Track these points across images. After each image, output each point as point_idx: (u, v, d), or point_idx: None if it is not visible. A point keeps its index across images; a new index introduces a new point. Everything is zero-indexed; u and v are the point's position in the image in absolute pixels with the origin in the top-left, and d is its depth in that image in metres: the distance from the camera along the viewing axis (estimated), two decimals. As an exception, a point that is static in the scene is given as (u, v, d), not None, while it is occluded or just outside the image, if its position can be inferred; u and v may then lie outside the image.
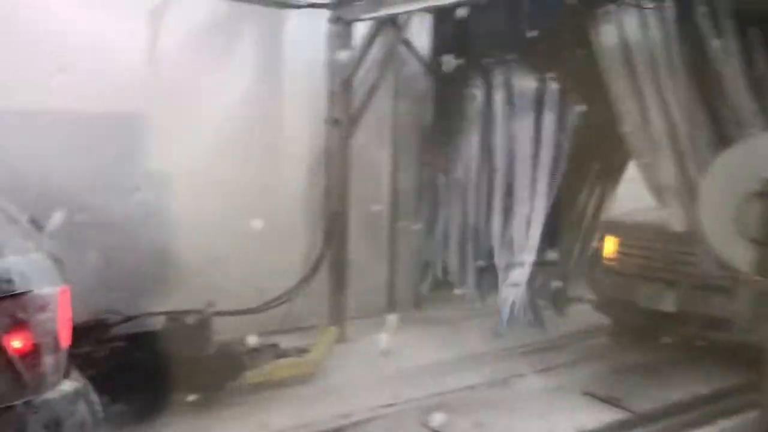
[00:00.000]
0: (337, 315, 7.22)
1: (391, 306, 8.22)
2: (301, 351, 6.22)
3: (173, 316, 5.65)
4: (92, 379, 4.78)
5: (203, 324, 5.70)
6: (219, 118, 6.70)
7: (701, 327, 6.05)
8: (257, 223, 6.88)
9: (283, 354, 6.10)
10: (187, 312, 5.74)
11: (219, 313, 5.83)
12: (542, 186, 7.47)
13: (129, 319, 5.57)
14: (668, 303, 6.19)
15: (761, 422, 4.28)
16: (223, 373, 5.54)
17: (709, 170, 4.28)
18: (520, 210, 7.59)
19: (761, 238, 4.02)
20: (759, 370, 4.33)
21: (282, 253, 7.11)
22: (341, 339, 7.12)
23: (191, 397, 5.29)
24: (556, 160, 7.39)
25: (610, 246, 6.98)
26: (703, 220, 4.20)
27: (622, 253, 6.84)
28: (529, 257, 7.50)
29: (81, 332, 5.13)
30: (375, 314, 7.91)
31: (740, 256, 4.14)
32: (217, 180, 6.67)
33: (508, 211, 7.76)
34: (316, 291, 7.19)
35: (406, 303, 8.36)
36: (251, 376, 5.69)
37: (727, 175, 4.16)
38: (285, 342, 6.43)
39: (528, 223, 7.53)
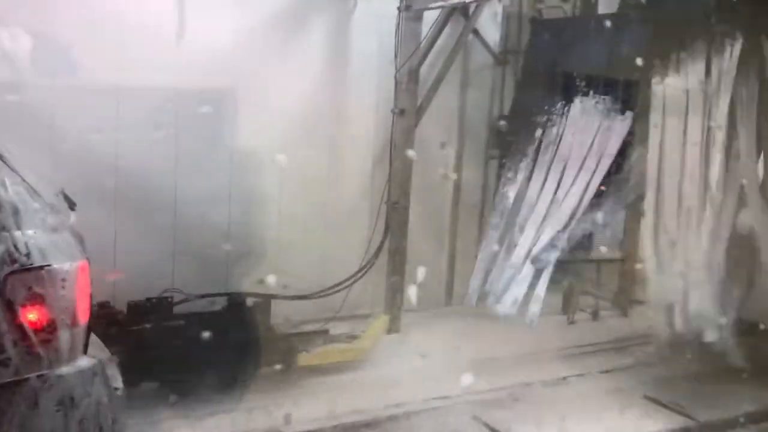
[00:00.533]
0: (394, 305, 7.21)
1: (449, 300, 8.17)
2: (352, 338, 6.28)
3: (234, 297, 5.77)
4: (147, 356, 5.03)
5: (262, 307, 5.79)
6: (289, 105, 6.73)
7: None
8: (322, 210, 6.99)
9: (334, 340, 6.16)
10: (247, 294, 5.85)
11: (276, 297, 5.91)
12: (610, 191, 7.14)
13: (190, 298, 5.72)
14: None
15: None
16: (274, 355, 5.62)
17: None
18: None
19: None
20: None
21: (344, 241, 7.16)
22: (396, 329, 7.13)
23: (242, 378, 5.39)
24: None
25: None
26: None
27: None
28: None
29: (144, 309, 5.39)
30: (433, 307, 7.91)
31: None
32: (287, 165, 6.75)
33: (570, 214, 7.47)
34: (377, 280, 7.21)
35: (464, 297, 8.28)
36: (302, 359, 5.76)
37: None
38: (341, 328, 6.51)
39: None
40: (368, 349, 6.22)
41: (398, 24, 7.06)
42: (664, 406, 5.61)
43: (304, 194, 6.94)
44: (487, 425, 5.18)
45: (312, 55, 7.04)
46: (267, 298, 5.91)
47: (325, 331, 6.28)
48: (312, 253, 6.83)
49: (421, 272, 7.51)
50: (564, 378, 6.16)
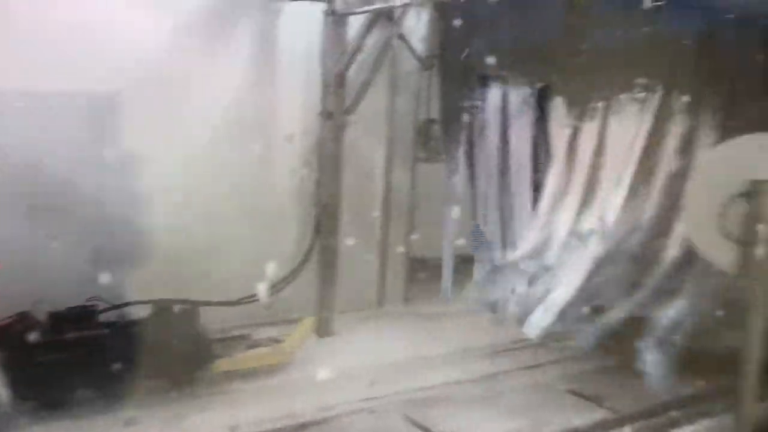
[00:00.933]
0: (325, 308, 7.23)
1: (381, 300, 8.24)
2: (276, 341, 6.25)
3: (160, 305, 5.67)
4: (70, 364, 4.92)
5: (189, 314, 5.72)
6: (212, 108, 6.71)
7: None
8: (251, 213, 6.95)
9: (258, 344, 6.13)
10: (173, 301, 5.76)
11: (203, 304, 5.85)
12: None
13: (114, 307, 5.60)
14: None
15: (738, 426, 4.29)
16: (196, 362, 5.57)
17: (695, 172, 4.29)
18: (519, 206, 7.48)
19: (743, 239, 4.03)
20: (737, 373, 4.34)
21: (272, 244, 7.13)
22: (329, 332, 7.14)
23: (161, 385, 5.33)
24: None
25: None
26: (688, 220, 4.20)
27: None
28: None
29: (66, 318, 5.25)
30: (364, 308, 7.96)
31: (724, 256, 4.15)
32: (211, 169, 6.69)
33: (505, 208, 7.67)
34: (306, 283, 7.21)
35: (396, 298, 8.37)
36: (222, 365, 5.72)
37: (711, 177, 4.17)
38: (273, 333, 6.49)
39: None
40: (293, 352, 6.20)
41: (325, 27, 7.08)
42: (588, 399, 5.78)
43: (233, 196, 6.88)
44: (417, 424, 5.24)
45: (238, 57, 7.00)
46: (194, 305, 5.83)
47: (249, 336, 6.24)
48: (241, 257, 6.77)
49: (352, 273, 7.62)
50: (494, 374, 6.27)
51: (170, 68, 6.36)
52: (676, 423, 5.26)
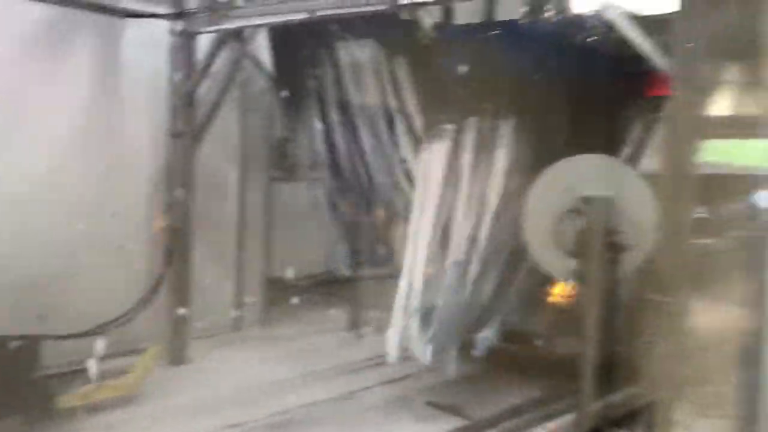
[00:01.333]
0: (178, 335, 6.98)
1: (238, 325, 8.08)
2: (120, 373, 5.97)
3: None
4: None
5: (27, 349, 5.33)
6: (50, 130, 6.34)
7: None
8: (96, 240, 6.60)
9: (101, 376, 5.83)
10: (10, 337, 5.35)
11: (44, 338, 5.48)
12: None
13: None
14: None
15: (579, 423, 4.59)
16: (32, 399, 5.22)
17: (532, 188, 4.57)
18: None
19: (575, 251, 4.34)
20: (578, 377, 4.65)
21: (121, 271, 6.82)
22: (182, 360, 6.91)
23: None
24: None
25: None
26: (527, 233, 4.46)
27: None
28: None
29: None
30: (220, 333, 7.78)
31: (558, 266, 4.45)
32: (50, 196, 6.31)
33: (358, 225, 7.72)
34: (158, 310, 6.94)
35: (254, 321, 8.25)
36: (63, 400, 5.40)
37: (547, 193, 4.46)
38: (122, 364, 6.18)
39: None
40: (137, 384, 5.95)
41: (172, 46, 6.90)
42: (444, 409, 5.96)
43: (76, 222, 6.52)
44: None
45: (78, 79, 6.66)
46: (34, 339, 5.44)
47: (89, 369, 5.92)
48: (86, 287, 6.42)
49: (207, 299, 7.42)
50: (351, 392, 6.32)
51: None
52: (529, 425, 5.51)
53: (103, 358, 6.14)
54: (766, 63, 3.16)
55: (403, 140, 6.47)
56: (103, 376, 5.89)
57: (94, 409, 5.54)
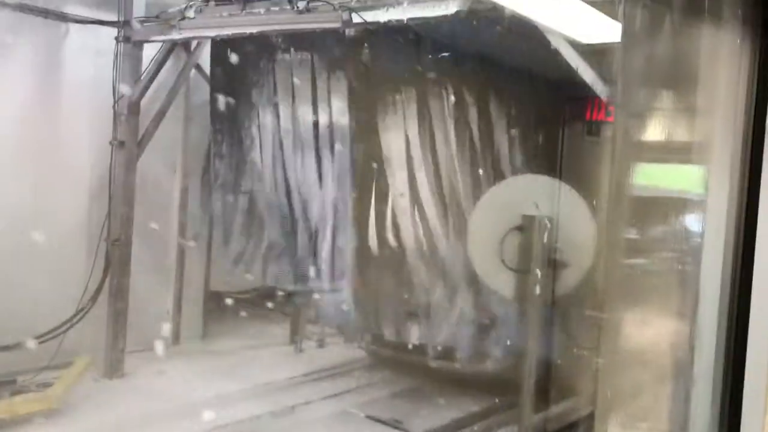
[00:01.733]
0: (115, 348, 6.84)
1: (177, 337, 7.96)
2: (44, 386, 5.82)
3: None
4: None
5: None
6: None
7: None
8: (31, 250, 6.41)
9: (23, 390, 5.68)
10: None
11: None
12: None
13: None
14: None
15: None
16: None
17: (477, 206, 4.70)
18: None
19: (518, 267, 4.48)
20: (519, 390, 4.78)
21: (58, 282, 6.64)
22: (119, 373, 6.77)
23: None
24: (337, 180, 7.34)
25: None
26: (472, 251, 4.58)
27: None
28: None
29: None
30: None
31: (502, 283, 4.58)
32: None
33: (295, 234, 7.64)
34: (95, 322, 6.78)
35: (193, 334, 8.14)
36: None
37: (491, 211, 4.60)
38: (51, 377, 6.02)
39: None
40: (61, 397, 5.79)
41: (117, 54, 6.81)
42: (385, 423, 6.00)
43: (8, 233, 6.33)
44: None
45: (14, 84, 6.50)
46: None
47: (13, 381, 5.75)
48: (21, 298, 6.23)
49: (146, 310, 7.29)
50: (292, 407, 6.30)
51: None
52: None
53: (37, 371, 6.00)
54: (698, 91, 3.35)
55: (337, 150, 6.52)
56: (29, 388, 5.74)
57: (15, 422, 5.37)
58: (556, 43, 4.67)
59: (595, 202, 4.83)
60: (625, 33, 4.03)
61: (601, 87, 4.69)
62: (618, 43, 4.37)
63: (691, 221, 2.43)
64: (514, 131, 5.62)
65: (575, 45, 4.73)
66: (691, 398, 2.10)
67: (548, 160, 5.57)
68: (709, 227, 2.23)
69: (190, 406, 6.06)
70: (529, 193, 4.65)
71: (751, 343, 1.96)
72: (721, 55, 2.31)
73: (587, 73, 4.76)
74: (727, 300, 2.04)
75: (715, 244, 2.14)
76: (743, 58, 2.17)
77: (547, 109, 5.75)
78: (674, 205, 2.85)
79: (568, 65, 4.78)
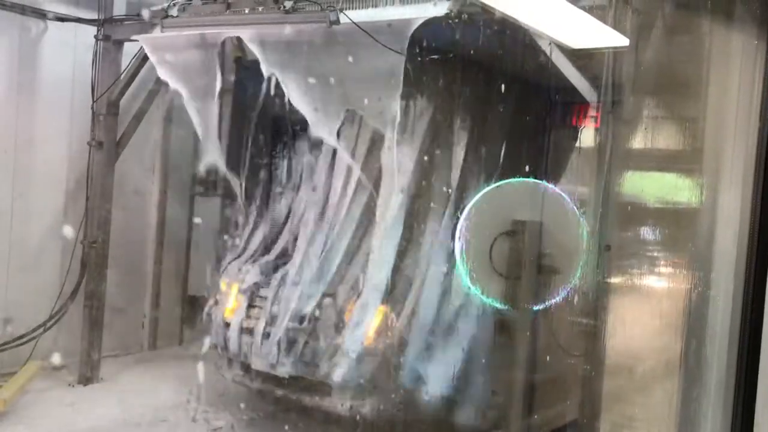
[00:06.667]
0: (91, 353, 6.67)
1: (154, 342, 7.81)
2: None
3: None
4: None
5: None
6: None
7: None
8: (5, 251, 6.27)
9: None
10: None
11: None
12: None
13: None
14: None
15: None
16: None
17: (469, 209, 4.65)
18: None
19: (507, 273, 4.45)
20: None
21: (32, 284, 6.49)
22: (93, 379, 6.61)
23: None
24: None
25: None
26: (463, 257, 4.53)
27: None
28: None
29: None
30: (135, 351, 7.50)
31: (493, 288, 4.53)
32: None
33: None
34: (71, 326, 6.62)
35: (170, 339, 7.99)
36: None
37: (482, 215, 4.55)
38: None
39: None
40: (8, 401, 5.63)
41: (96, 53, 6.67)
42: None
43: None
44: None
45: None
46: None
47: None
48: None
49: (122, 314, 7.14)
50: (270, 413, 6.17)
51: None
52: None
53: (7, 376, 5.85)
54: (687, 100, 3.35)
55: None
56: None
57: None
58: (546, 48, 4.66)
59: (584, 210, 4.82)
60: (629, 36, 4.03)
61: (591, 92, 4.68)
62: (606, 48, 4.38)
63: (701, 226, 2.40)
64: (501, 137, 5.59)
65: (565, 50, 4.72)
66: (701, 406, 2.06)
67: (535, 164, 5.54)
68: (720, 232, 2.20)
69: (163, 412, 5.93)
70: (520, 197, 4.62)
71: (765, 349, 1.93)
72: (730, 57, 2.29)
73: (576, 78, 4.75)
74: (740, 308, 2.00)
75: (727, 249, 2.11)
76: (756, 59, 2.14)
77: (535, 112, 5.74)
78: (680, 210, 2.83)
79: (556, 69, 4.76)
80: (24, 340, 6.18)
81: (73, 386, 6.49)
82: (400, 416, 5.13)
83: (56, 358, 6.35)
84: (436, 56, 5.25)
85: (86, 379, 6.61)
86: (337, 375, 5.07)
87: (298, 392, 5.35)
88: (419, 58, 5.12)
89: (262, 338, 5.47)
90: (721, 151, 2.29)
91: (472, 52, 5.13)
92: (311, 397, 5.28)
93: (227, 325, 5.74)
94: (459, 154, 5.59)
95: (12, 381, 5.80)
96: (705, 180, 2.61)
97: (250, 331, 5.56)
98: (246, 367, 5.66)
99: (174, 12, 5.80)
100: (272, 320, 5.48)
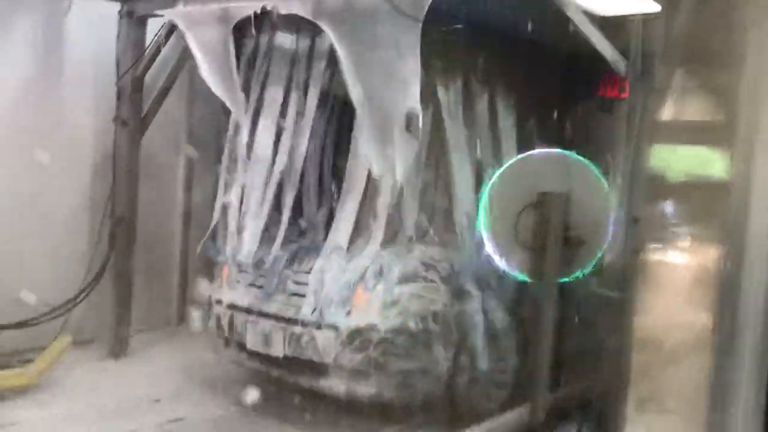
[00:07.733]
0: (120, 328, 6.76)
1: (182, 318, 7.89)
2: (26, 361, 5.81)
3: None
4: None
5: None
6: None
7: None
8: (34, 228, 6.36)
9: (5, 365, 5.71)
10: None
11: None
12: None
13: None
14: None
15: (532, 414, 4.65)
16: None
17: (493, 181, 4.62)
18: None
19: (533, 245, 4.42)
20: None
21: (61, 260, 6.58)
22: (122, 353, 6.70)
23: None
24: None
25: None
26: (486, 230, 4.51)
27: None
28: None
29: None
30: (164, 327, 7.59)
31: (517, 261, 4.51)
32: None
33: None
34: (100, 302, 6.71)
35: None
36: None
37: (507, 187, 4.51)
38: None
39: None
40: (39, 375, 5.74)
41: (120, 30, 6.68)
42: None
43: (12, 210, 6.25)
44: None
45: (16, 60, 6.38)
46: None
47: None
48: (24, 276, 6.17)
49: (151, 290, 7.22)
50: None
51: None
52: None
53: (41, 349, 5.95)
54: (721, 71, 3.25)
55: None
56: (11, 364, 5.73)
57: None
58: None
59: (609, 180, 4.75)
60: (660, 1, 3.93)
61: (616, 62, 4.59)
62: (635, 15, 4.28)
63: (734, 198, 2.34)
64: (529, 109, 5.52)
65: (590, 16, 4.62)
66: (735, 377, 2.03)
67: (559, 135, 5.46)
68: (755, 203, 2.13)
69: (192, 388, 6.02)
70: (546, 168, 4.56)
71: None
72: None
73: (602, 46, 4.64)
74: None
75: (761, 220, 2.05)
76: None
77: (558, 81, 5.65)
78: (712, 182, 2.76)
79: (582, 36, 4.65)
80: (54, 315, 6.26)
81: (103, 360, 6.59)
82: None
83: (86, 333, 6.45)
84: (459, 26, 5.18)
85: (116, 354, 6.71)
86: None
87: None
88: (442, 28, 5.06)
89: None
90: (756, 122, 2.22)
91: (497, 21, 5.06)
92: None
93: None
94: (484, 125, 5.55)
95: (43, 355, 5.89)
96: (739, 151, 2.55)
97: None
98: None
99: (196, -13, 5.76)
100: None
